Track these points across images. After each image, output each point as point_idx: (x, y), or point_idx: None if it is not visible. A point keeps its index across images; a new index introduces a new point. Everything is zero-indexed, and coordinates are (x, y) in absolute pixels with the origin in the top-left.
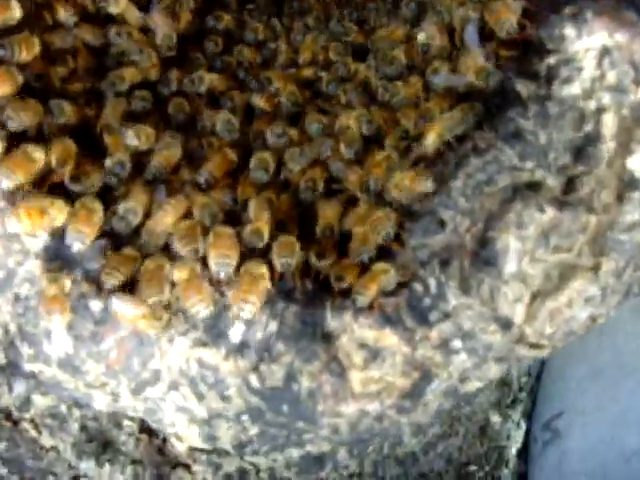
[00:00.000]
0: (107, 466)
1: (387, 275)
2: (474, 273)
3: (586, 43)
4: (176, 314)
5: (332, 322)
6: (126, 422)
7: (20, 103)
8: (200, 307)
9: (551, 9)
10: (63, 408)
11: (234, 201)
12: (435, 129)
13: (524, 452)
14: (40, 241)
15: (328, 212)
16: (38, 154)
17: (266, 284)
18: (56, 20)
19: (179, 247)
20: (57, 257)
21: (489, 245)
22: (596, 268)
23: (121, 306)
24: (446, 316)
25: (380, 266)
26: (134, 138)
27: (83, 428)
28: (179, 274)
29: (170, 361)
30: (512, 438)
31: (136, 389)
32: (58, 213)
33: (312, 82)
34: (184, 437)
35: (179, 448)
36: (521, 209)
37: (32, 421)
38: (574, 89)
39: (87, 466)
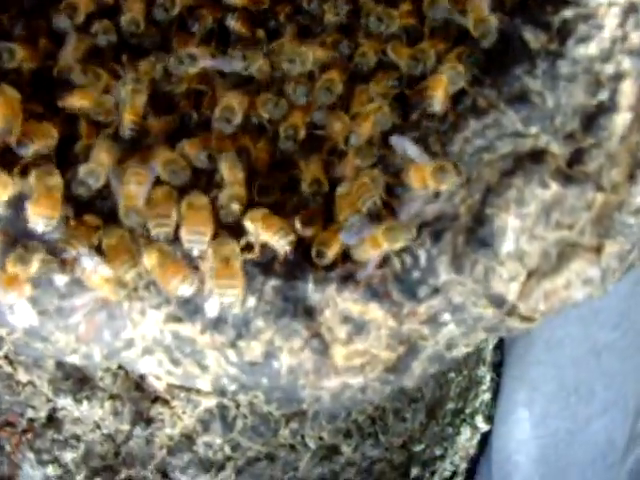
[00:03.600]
0: (85, 403)
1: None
2: (468, 253)
3: None
4: (147, 287)
5: (314, 295)
6: None
7: None
8: (184, 288)
9: None
10: None
11: (209, 157)
12: (442, 84)
13: (500, 343)
14: None
15: (312, 167)
16: None
17: (239, 263)
18: None
19: (151, 226)
20: (13, 228)
21: (486, 224)
22: (599, 249)
23: (90, 264)
24: (435, 291)
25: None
26: None
27: (59, 365)
28: (149, 260)
29: (144, 330)
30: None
31: (109, 354)
32: (2, 190)
33: None
34: (162, 377)
35: (157, 385)
36: (523, 185)
37: (6, 357)
38: (591, 49)
39: (65, 402)
